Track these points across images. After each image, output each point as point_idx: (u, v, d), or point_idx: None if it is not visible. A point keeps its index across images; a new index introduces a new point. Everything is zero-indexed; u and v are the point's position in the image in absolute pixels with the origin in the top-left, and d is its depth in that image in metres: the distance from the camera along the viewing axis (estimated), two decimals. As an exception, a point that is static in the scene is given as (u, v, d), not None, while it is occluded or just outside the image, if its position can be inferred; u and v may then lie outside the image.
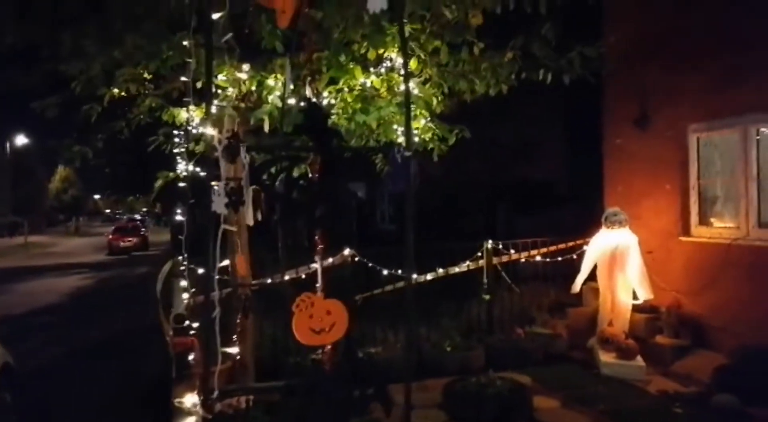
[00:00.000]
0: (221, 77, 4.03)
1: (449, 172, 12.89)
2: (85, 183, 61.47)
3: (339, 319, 2.43)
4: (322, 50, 4.38)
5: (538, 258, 7.03)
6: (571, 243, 7.09)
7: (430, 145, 5.58)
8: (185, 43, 2.60)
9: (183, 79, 2.75)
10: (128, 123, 5.15)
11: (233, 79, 4.03)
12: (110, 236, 27.48)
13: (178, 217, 3.27)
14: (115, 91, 4.63)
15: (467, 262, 6.83)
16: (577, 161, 11.73)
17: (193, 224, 3.66)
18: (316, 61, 4.36)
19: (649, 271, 6.03)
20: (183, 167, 4.47)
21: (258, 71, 4.17)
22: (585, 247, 6.52)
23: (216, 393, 2.05)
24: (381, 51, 4.43)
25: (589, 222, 6.74)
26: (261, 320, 5.45)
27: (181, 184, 3.05)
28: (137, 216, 53.32)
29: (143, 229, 30.49)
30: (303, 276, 5.48)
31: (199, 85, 3.47)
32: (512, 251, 6.93)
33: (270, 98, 4.16)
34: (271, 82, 4.19)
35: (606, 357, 5.64)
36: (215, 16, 2.13)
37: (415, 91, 4.95)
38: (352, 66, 4.43)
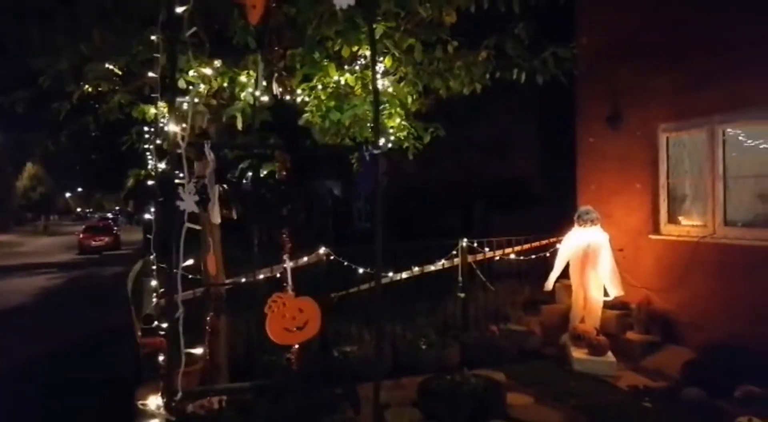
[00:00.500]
0: (191, 73, 3.96)
1: (426, 170, 12.96)
2: (56, 180, 59.98)
3: (312, 317, 2.40)
4: (296, 47, 4.34)
5: (513, 256, 7.10)
6: (544, 242, 7.18)
7: (405, 144, 5.58)
8: (153, 37, 2.54)
9: (151, 74, 2.68)
10: (97, 119, 5.03)
11: (203, 75, 3.97)
12: (81, 235, 26.87)
13: (148, 216, 3.21)
14: (85, 87, 4.51)
15: (442, 261, 6.86)
16: (550, 160, 11.88)
17: (163, 223, 3.59)
18: (289, 57, 4.33)
19: (620, 269, 6.14)
20: (153, 165, 4.38)
21: (230, 67, 4.11)
22: (558, 245, 6.59)
23: (180, 394, 2.02)
24: (355, 48, 4.40)
25: (562, 221, 6.83)
26: (235, 319, 5.39)
27: (151, 182, 2.99)
28: (109, 215, 52.30)
29: (115, 228, 29.92)
30: (278, 275, 5.43)
31: (168, 80, 3.41)
32: (487, 249, 6.98)
33: (242, 95, 4.10)
34: (243, 78, 4.14)
35: (578, 354, 5.72)
36: (179, 9, 2.09)
37: (390, 90, 4.95)
38: (326, 63, 4.40)
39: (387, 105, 5.07)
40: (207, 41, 3.33)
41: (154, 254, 3.23)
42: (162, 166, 4.00)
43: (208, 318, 3.47)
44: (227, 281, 4.78)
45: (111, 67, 4.32)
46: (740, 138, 5.50)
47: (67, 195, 75.20)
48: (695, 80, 5.69)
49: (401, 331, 6.27)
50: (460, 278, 6.72)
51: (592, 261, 6.08)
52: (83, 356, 7.71)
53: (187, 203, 2.31)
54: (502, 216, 11.95)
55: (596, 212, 6.19)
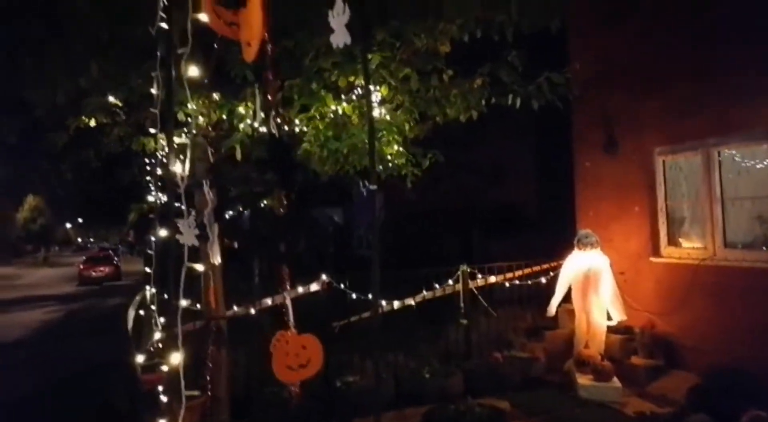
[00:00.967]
0: (191, 106, 4.01)
1: (424, 195, 12.97)
2: (56, 212, 60.01)
3: (314, 353, 2.39)
4: (294, 78, 4.41)
5: (517, 281, 7.07)
6: (545, 266, 7.15)
7: (404, 171, 5.62)
8: (153, 74, 2.58)
9: (151, 110, 2.72)
10: (98, 152, 5.07)
11: (203, 108, 4.01)
12: (81, 266, 26.73)
13: (149, 251, 3.20)
14: (84, 120, 4.55)
15: (443, 286, 6.82)
16: (548, 184, 11.91)
17: (163, 256, 3.59)
18: (287, 88, 4.40)
19: (622, 292, 6.11)
20: (153, 197, 4.40)
21: (228, 100, 4.16)
22: (558, 270, 6.57)
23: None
24: (352, 78, 4.47)
25: (561, 245, 6.81)
26: (235, 351, 5.34)
27: (151, 216, 3.00)
28: (109, 245, 52.18)
29: (116, 259, 29.79)
30: (278, 304, 5.39)
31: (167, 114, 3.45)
32: (488, 275, 6.95)
33: (241, 126, 4.15)
34: (241, 110, 4.18)
35: (583, 380, 5.65)
36: (179, 51, 2.12)
37: (387, 117, 5.02)
38: (323, 93, 4.46)
39: (384, 132, 5.12)
40: (206, 77, 3.37)
41: (154, 288, 3.22)
42: (163, 197, 4.01)
43: (209, 352, 3.44)
44: (228, 313, 4.75)
45: (111, 99, 4.35)
46: (736, 159, 5.54)
47: (68, 225, 75.14)
48: (687, 105, 5.75)
49: (403, 360, 6.20)
50: (461, 304, 6.68)
51: (593, 285, 6.05)
52: (79, 392, 7.60)
53: (187, 237, 2.31)
54: (501, 242, 11.93)
55: (596, 235, 6.19)
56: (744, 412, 4.35)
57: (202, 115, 4.13)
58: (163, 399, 2.65)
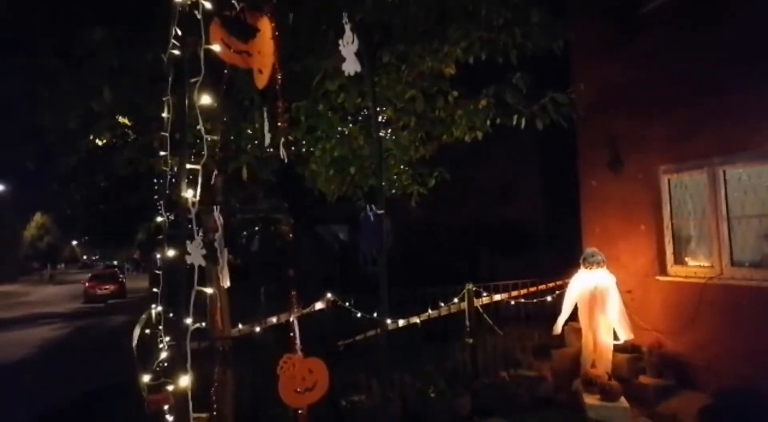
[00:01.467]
0: (199, 128, 4.06)
1: (431, 214, 13.00)
2: (62, 230, 60.38)
3: (321, 377, 2.40)
4: (301, 99, 4.47)
5: (522, 300, 7.04)
6: (551, 285, 7.13)
7: (410, 190, 5.65)
8: (164, 98, 2.64)
9: (163, 133, 2.77)
10: (109, 174, 5.13)
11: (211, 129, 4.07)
12: (86, 283, 26.80)
13: (156, 271, 3.23)
14: (94, 140, 4.62)
15: (448, 305, 6.80)
16: (555, 203, 11.92)
17: (171, 275, 3.62)
18: (294, 110, 4.46)
19: (629, 311, 6.07)
20: (162, 217, 4.44)
21: (237, 121, 4.22)
22: (565, 288, 6.54)
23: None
24: (359, 100, 4.53)
25: (567, 263, 6.79)
26: (241, 370, 5.32)
27: (160, 237, 3.04)
28: (115, 263, 52.28)
29: (121, 276, 29.85)
30: (284, 322, 5.40)
31: (177, 136, 3.51)
32: (494, 293, 6.93)
33: (248, 147, 4.20)
34: (249, 131, 4.24)
35: (590, 400, 5.59)
36: (192, 80, 2.17)
37: (393, 138, 5.06)
38: (330, 115, 4.52)
39: (390, 153, 5.17)
40: (217, 102, 3.43)
41: (160, 307, 3.24)
42: (170, 217, 4.05)
43: (215, 372, 3.44)
44: (234, 332, 4.75)
45: (121, 119, 4.43)
46: (742, 178, 5.54)
47: (74, 243, 75.51)
48: (692, 124, 5.77)
49: (410, 379, 6.17)
50: (467, 323, 6.65)
51: (600, 304, 6.02)
52: (84, 413, 7.57)
53: (195, 257, 2.34)
54: (509, 260, 11.91)
55: (602, 254, 6.18)
56: (755, 434, 4.31)
57: (210, 134, 4.18)
58: (169, 419, 2.65)
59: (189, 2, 2.20)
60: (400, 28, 4.01)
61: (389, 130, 5.17)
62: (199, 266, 2.38)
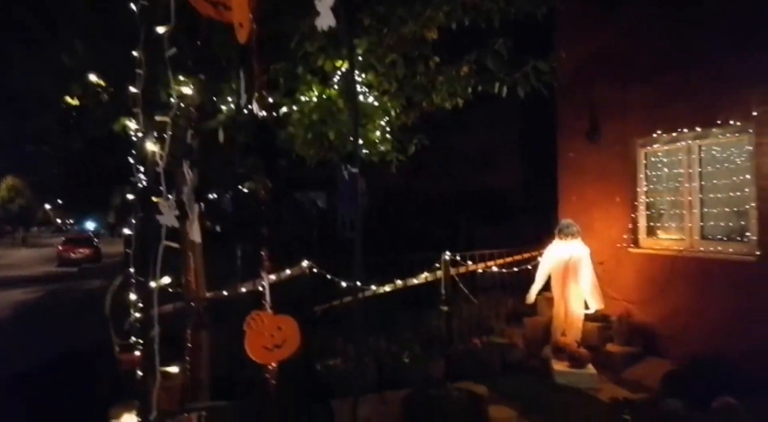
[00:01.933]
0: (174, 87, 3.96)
1: (410, 182, 13.01)
2: (36, 192, 59.06)
3: (290, 334, 2.40)
4: (279, 61, 4.36)
5: (495, 268, 7.15)
6: (526, 255, 7.23)
7: (389, 157, 5.61)
8: (135, 53, 2.54)
9: (132, 89, 2.68)
10: (83, 134, 4.99)
11: (185, 91, 3.96)
12: (60, 247, 26.45)
13: (127, 231, 3.18)
14: (69, 100, 4.48)
15: (425, 274, 6.87)
16: (533, 172, 12.01)
17: (143, 237, 3.57)
18: (272, 72, 4.36)
19: (601, 282, 6.20)
20: (135, 179, 4.36)
21: (213, 82, 4.11)
22: (540, 258, 6.65)
23: (154, 413, 1.99)
24: (338, 63, 4.44)
25: (544, 232, 6.89)
26: (217, 333, 5.33)
27: (131, 197, 2.97)
28: (90, 227, 51.54)
29: (95, 240, 29.49)
30: (260, 289, 5.39)
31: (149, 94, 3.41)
32: (470, 262, 7.01)
33: (224, 109, 4.11)
34: (225, 91, 4.14)
35: (559, 366, 5.75)
36: (160, 30, 2.09)
37: (375, 103, 5.00)
38: (309, 78, 4.43)
39: (370, 118, 5.11)
40: (190, 58, 3.33)
41: (133, 269, 3.20)
42: (143, 179, 3.97)
43: (188, 334, 3.44)
44: (208, 295, 4.74)
45: (94, 78, 4.29)
46: (715, 153, 5.62)
47: (47, 207, 74.07)
48: (669, 96, 5.81)
49: (385, 345, 6.25)
50: (443, 291, 6.74)
51: (573, 274, 6.13)
52: (57, 375, 7.54)
53: (167, 217, 2.30)
54: (486, 228, 12.03)
55: (577, 225, 6.26)
56: (716, 398, 4.48)
57: (186, 96, 4.08)
58: (140, 376, 2.65)
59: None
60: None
61: (370, 97, 5.10)
62: (174, 229, 2.34)
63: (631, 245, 6.37)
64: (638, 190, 6.37)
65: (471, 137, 13.34)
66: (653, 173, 6.31)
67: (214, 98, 4.18)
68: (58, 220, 78.59)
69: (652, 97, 6.03)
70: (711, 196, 5.59)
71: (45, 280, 19.70)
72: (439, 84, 4.87)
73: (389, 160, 5.60)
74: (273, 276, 5.53)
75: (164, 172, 2.23)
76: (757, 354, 4.74)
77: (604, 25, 6.66)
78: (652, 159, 6.32)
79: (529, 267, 7.02)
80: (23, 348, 9.08)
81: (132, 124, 4.47)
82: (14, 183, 55.29)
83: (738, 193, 5.30)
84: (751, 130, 5.04)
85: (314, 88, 4.43)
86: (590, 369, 5.65)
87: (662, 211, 6.23)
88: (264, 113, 2.97)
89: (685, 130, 5.67)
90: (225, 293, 5.61)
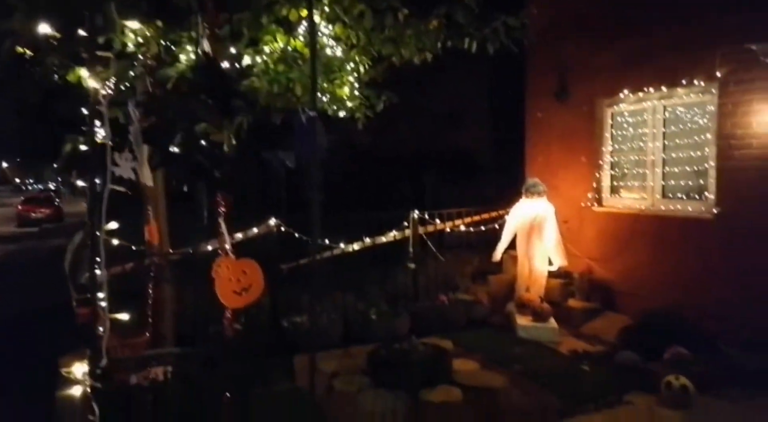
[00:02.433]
0: (129, 34, 3.77)
1: (378, 140, 12.90)
2: (-10, 149, 56.65)
3: (255, 278, 2.39)
4: (243, 11, 4.19)
5: (462, 227, 7.22)
6: (494, 214, 7.31)
7: (357, 113, 5.52)
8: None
9: (81, 32, 2.53)
10: (36, 85, 4.74)
11: (143, 37, 3.78)
12: (20, 207, 25.62)
13: (81, 183, 3.05)
14: (19, 50, 4.23)
15: (393, 232, 6.89)
16: (501, 131, 12.02)
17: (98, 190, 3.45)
18: (236, 22, 4.18)
19: (564, 240, 6.33)
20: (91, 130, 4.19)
21: (171, 29, 3.93)
22: (506, 217, 6.72)
23: (104, 361, 1.97)
24: (303, 13, 4.28)
25: (511, 191, 6.95)
26: (182, 289, 5.27)
27: (84, 147, 2.84)
28: (51, 186, 49.98)
29: (57, 199, 28.65)
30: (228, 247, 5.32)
31: (101, 40, 3.23)
32: (438, 221, 7.06)
33: (182, 58, 3.94)
34: (184, 40, 3.97)
35: (522, 321, 5.90)
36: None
37: (341, 55, 4.88)
38: (273, 27, 4.27)
39: (338, 73, 4.99)
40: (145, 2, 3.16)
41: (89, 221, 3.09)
42: (100, 131, 3.81)
43: (149, 289, 3.38)
44: (172, 251, 4.65)
45: (42, 29, 4.05)
46: (678, 114, 5.69)
47: (5, 165, 71.40)
48: (636, 56, 5.82)
49: (352, 301, 6.30)
50: (410, 249, 6.79)
51: (537, 232, 6.23)
52: (17, 331, 7.41)
53: (123, 169, 2.22)
54: (453, 187, 12.08)
55: (543, 184, 6.33)
56: (667, 349, 4.68)
57: (142, 45, 3.89)
58: (99, 331, 2.60)
59: None
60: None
61: (337, 49, 4.97)
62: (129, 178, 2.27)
63: (595, 204, 6.49)
64: (603, 149, 6.45)
65: (440, 96, 13.22)
66: (618, 133, 6.38)
67: (173, 47, 4.00)
68: (17, 180, 75.92)
69: (619, 57, 6.03)
70: (673, 155, 5.70)
71: (3, 240, 19.14)
72: (407, 37, 4.76)
73: (357, 117, 5.51)
74: (240, 235, 5.46)
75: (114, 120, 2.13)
76: (709, 308, 4.94)
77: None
78: (618, 119, 6.38)
79: (496, 226, 7.11)
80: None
81: (85, 73, 4.27)
82: (-33, 139, 52.88)
83: (699, 153, 5.41)
84: (714, 91, 5.10)
85: (279, 39, 4.28)
86: (552, 323, 5.82)
87: (626, 170, 6.33)
88: (226, 64, 2.87)
89: (651, 90, 5.71)
90: (190, 251, 5.53)
